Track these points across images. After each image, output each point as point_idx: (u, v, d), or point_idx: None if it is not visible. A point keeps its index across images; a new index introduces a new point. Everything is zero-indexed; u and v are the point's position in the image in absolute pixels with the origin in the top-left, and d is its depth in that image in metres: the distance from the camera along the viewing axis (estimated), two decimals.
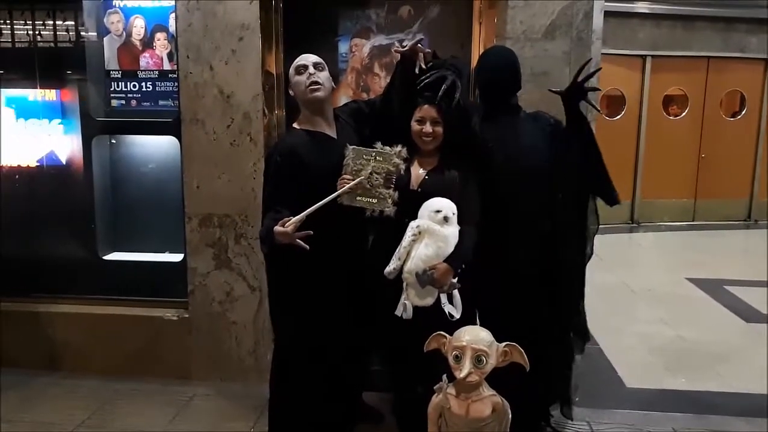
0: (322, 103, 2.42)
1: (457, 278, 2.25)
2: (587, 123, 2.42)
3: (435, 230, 2.21)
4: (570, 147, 2.39)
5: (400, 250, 2.23)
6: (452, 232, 2.24)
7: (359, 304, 2.48)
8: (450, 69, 2.37)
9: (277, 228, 2.20)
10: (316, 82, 2.37)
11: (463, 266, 2.27)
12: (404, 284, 2.25)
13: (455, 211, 2.24)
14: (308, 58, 2.42)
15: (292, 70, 2.44)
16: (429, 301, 2.24)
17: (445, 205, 2.24)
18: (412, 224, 2.24)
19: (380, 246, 2.41)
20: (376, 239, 2.52)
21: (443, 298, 2.24)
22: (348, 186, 2.27)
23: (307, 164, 2.36)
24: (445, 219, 2.22)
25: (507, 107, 2.48)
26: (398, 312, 2.25)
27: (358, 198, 2.30)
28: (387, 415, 2.82)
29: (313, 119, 2.44)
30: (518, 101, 2.52)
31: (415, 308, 2.25)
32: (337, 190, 2.27)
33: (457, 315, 2.22)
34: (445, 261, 2.22)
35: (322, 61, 2.44)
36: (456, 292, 2.26)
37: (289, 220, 2.19)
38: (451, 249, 2.23)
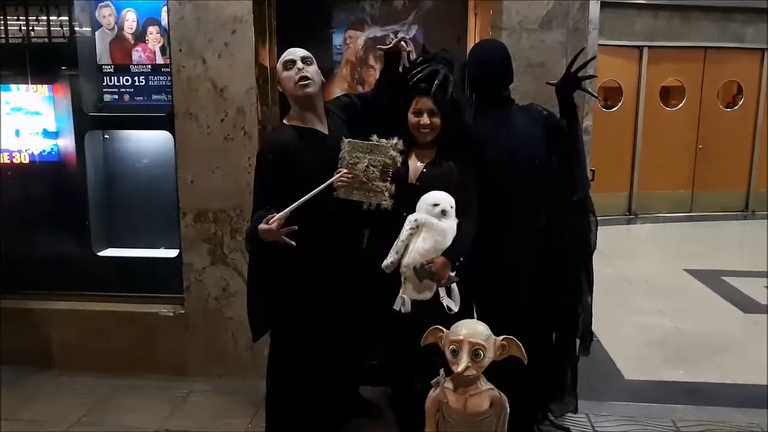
0: (312, 98, 2.38)
1: (455, 272, 2.24)
2: (577, 116, 2.40)
3: (433, 224, 2.19)
4: (565, 138, 2.37)
5: (398, 244, 2.21)
6: (450, 225, 2.22)
7: (353, 297, 2.46)
8: (441, 62, 2.34)
9: (262, 226, 2.18)
10: (306, 77, 2.32)
11: (461, 259, 2.25)
12: (402, 278, 2.23)
13: (453, 205, 2.23)
14: (296, 53, 2.37)
15: (279, 66, 2.40)
16: (427, 294, 2.22)
17: (442, 198, 2.22)
18: (410, 218, 2.22)
19: (378, 240, 2.39)
20: (373, 233, 2.51)
21: (442, 291, 2.22)
22: (334, 178, 2.25)
23: (297, 161, 2.33)
24: (443, 212, 2.20)
25: (499, 100, 2.45)
26: (396, 306, 2.23)
27: (355, 192, 2.29)
28: (385, 410, 2.81)
29: (304, 115, 2.40)
30: (510, 94, 2.49)
31: (413, 302, 2.23)
32: (330, 186, 2.26)
33: (455, 308, 2.21)
34: (443, 254, 2.20)
35: (310, 55, 2.40)
36: (454, 286, 2.24)
37: (273, 216, 2.17)
38: (449, 242, 2.21)
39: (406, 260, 2.20)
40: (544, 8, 2.81)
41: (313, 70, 2.36)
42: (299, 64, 2.34)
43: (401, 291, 2.23)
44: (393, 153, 2.29)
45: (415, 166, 2.37)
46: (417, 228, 2.20)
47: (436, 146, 2.39)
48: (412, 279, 2.20)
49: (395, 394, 2.72)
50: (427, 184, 2.30)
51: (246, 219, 3.03)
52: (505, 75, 2.45)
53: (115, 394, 3.13)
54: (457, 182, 2.32)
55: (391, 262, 2.21)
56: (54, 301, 3.43)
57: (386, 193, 2.29)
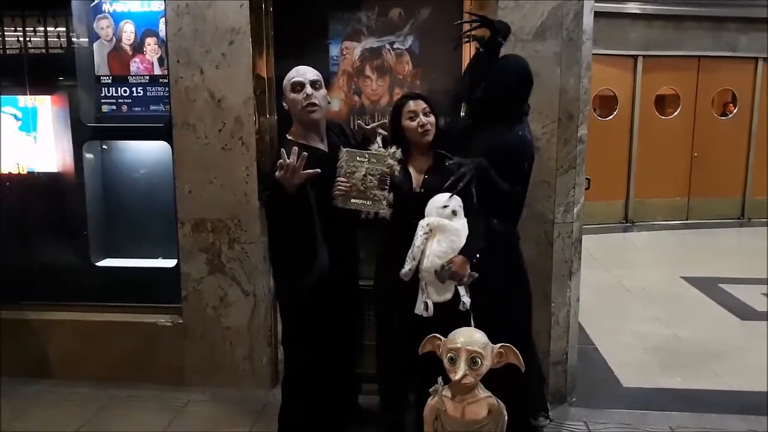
0: (318, 121, 2.41)
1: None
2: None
3: (446, 225, 2.23)
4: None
5: (414, 250, 2.23)
6: (462, 224, 2.27)
7: (357, 299, 2.47)
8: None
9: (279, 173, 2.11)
10: (313, 104, 2.34)
11: (478, 256, 2.28)
12: (422, 283, 2.26)
13: (461, 204, 2.27)
14: (305, 75, 2.37)
15: (287, 85, 2.40)
16: (448, 296, 2.26)
17: (450, 199, 2.25)
18: (422, 223, 2.25)
19: (389, 251, 2.40)
20: (383, 245, 2.51)
21: (461, 290, 2.25)
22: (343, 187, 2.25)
23: None
24: (454, 213, 2.24)
25: (515, 113, 2.46)
26: (418, 311, 2.26)
27: (353, 200, 2.31)
28: (379, 419, 2.80)
29: (307, 134, 2.42)
30: (526, 110, 2.50)
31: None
32: (330, 199, 2.27)
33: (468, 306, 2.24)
34: (459, 253, 2.23)
35: (320, 78, 2.41)
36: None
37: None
38: (463, 241, 2.25)
39: (426, 264, 2.23)
40: (538, 19, 2.83)
41: (320, 95, 2.37)
42: (308, 89, 2.34)
43: (422, 296, 2.26)
44: (391, 162, 2.31)
45: (416, 174, 2.41)
46: (430, 232, 2.24)
47: (432, 152, 2.41)
48: (434, 282, 2.23)
49: (391, 403, 2.72)
50: (431, 189, 2.34)
51: (244, 229, 3.08)
52: (523, 93, 2.46)
53: (113, 404, 3.13)
54: None
55: (409, 269, 2.24)
56: (52, 311, 3.43)
57: (384, 202, 2.30)
